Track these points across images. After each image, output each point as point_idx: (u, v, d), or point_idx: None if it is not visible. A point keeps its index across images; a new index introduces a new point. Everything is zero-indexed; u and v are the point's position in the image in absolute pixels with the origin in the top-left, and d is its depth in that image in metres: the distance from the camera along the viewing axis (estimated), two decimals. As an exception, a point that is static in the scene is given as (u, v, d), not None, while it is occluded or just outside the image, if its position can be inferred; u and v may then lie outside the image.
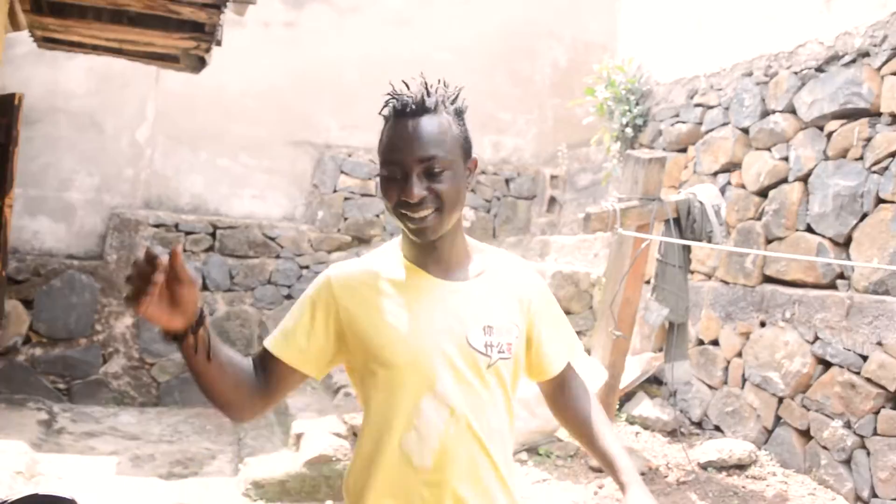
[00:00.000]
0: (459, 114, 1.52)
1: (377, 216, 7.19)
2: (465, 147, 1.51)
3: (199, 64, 4.70)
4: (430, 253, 1.53)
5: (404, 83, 1.50)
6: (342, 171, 7.14)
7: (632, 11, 7.36)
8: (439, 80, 1.54)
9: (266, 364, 1.52)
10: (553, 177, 7.74)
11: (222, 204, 6.87)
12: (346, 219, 7.09)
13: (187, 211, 6.72)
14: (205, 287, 6.41)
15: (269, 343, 1.53)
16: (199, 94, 6.73)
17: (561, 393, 1.72)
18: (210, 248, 6.49)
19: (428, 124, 1.45)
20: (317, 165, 7.23)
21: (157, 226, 6.43)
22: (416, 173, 1.42)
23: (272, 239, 6.71)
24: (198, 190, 6.80)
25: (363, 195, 7.19)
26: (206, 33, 4.06)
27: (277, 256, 6.72)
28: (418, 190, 1.41)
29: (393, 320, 1.49)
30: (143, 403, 6.35)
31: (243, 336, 6.47)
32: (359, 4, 7.40)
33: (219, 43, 4.21)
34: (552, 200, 7.72)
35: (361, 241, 7.15)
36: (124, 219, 6.45)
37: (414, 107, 1.45)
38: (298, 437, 4.86)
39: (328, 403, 5.56)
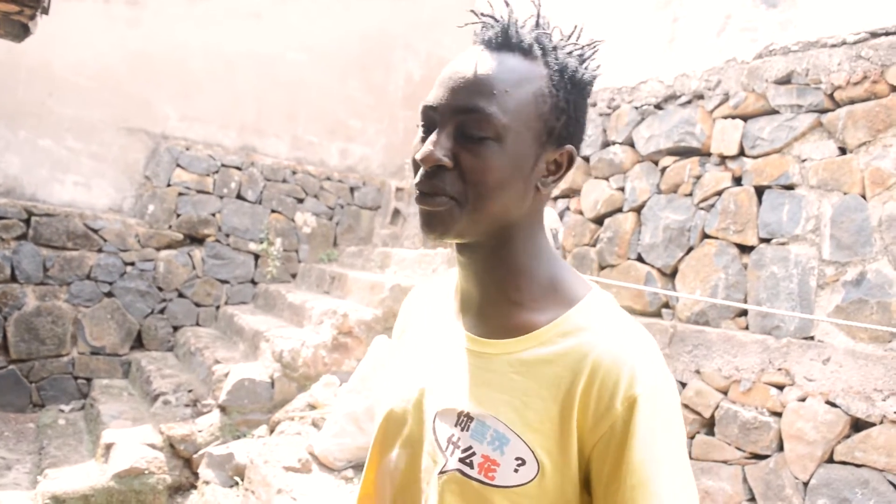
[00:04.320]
0: (572, 75, 0.96)
1: (213, 215, 6.83)
2: (552, 123, 0.96)
3: (23, 32, 4.26)
4: (464, 278, 1.04)
5: (504, 2, 0.98)
6: (178, 165, 6.74)
7: (487, 33, 7.47)
8: (576, 27, 1.02)
9: None
10: (399, 189, 7.71)
11: (41, 189, 6.28)
12: (178, 215, 6.68)
13: (-1, 193, 6.10)
14: (13, 278, 5.82)
15: None
16: (22, 66, 6.13)
17: None
18: (23, 236, 5.89)
19: (494, 64, 0.93)
20: (151, 156, 6.78)
21: (-39, 207, 5.76)
22: (445, 128, 0.92)
23: (95, 231, 6.20)
24: (13, 171, 6.19)
25: (199, 191, 6.81)
26: (31, -2, 3.68)
27: (100, 250, 6.22)
28: (436, 149, 0.91)
29: (393, 371, 1.12)
30: (-72, 405, 5.66)
31: (55, 335, 5.91)
32: (210, -9, 7.05)
33: (45, 10, 3.82)
34: (396, 213, 7.68)
35: (194, 239, 6.77)
36: (-79, 196, 5.75)
37: (493, 36, 0.95)
38: (108, 447, 4.49)
39: (145, 411, 5.18)
